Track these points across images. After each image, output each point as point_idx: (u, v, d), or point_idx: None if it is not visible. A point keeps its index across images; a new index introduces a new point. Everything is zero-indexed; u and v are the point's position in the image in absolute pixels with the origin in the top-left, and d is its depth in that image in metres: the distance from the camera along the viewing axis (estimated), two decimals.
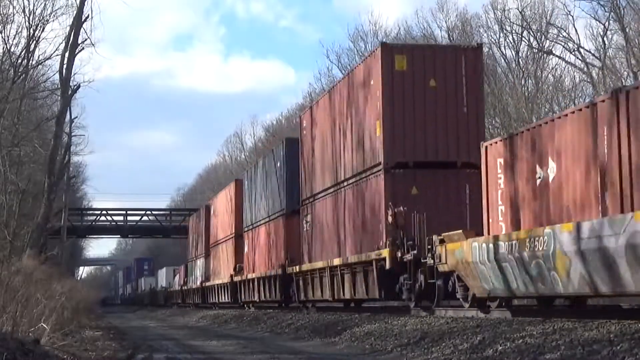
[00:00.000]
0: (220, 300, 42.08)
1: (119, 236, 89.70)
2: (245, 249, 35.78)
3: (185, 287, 56.36)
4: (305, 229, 26.93)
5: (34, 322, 12.05)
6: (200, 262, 49.71)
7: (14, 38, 35.09)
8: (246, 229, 35.58)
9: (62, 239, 46.86)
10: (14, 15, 34.44)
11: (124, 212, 67.20)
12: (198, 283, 49.78)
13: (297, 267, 27.17)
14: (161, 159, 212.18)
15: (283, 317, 23.65)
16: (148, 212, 68.71)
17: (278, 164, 30.05)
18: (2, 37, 34.42)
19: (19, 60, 35.30)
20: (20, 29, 34.93)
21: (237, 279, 37.17)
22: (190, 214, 69.99)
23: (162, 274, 77.02)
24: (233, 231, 38.35)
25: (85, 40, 30.22)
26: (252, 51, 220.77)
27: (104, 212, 66.57)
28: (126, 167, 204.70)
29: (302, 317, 22.50)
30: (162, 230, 68.52)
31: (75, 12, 30.55)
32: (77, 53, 30.52)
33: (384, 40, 54.26)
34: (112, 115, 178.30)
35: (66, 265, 48.93)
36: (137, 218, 67.03)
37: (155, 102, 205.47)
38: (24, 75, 35.45)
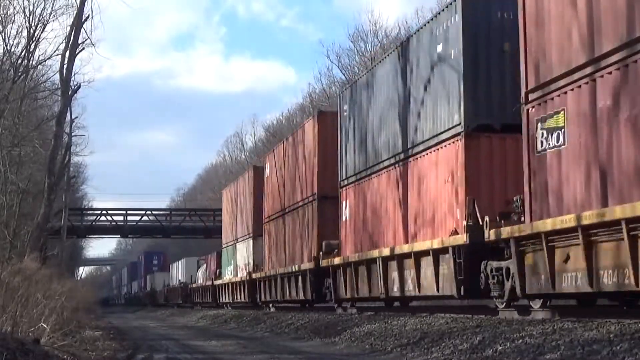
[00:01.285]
0: (286, 297, 29.14)
1: (119, 236, 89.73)
2: (345, 216, 23.14)
3: (219, 282, 43.90)
4: (541, 148, 13.31)
5: (34, 322, 12.05)
6: (244, 247, 37.59)
7: (14, 38, 35.12)
8: (347, 184, 23.05)
9: (62, 239, 46.81)
10: (14, 15, 34.44)
11: (124, 212, 67.20)
12: (242, 275, 37.09)
13: (518, 227, 13.71)
14: (161, 159, 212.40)
15: (283, 317, 23.64)
16: (148, 212, 68.68)
17: (440, 47, 17.33)
18: (2, 37, 34.45)
19: (19, 60, 35.29)
20: (20, 29, 34.95)
21: (328, 263, 23.81)
22: (194, 213, 70.40)
23: (180, 267, 64.80)
24: (315, 191, 25.93)
25: (86, 40, 30.24)
26: (253, 51, 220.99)
27: (104, 212, 66.56)
28: (126, 167, 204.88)
29: (302, 316, 22.46)
30: (162, 230, 68.48)
31: (75, 12, 30.56)
32: (78, 53, 30.54)
33: (384, 40, 54.28)
34: (112, 115, 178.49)
35: (66, 265, 48.91)
36: (137, 218, 67.01)
37: (155, 102, 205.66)
38: (24, 75, 35.44)
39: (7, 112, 32.02)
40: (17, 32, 34.98)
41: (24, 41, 34.98)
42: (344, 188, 23.47)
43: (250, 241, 36.23)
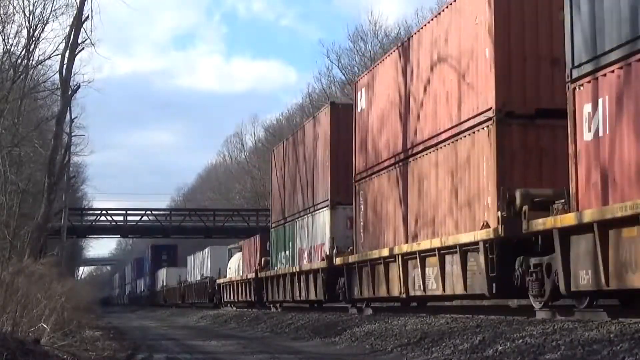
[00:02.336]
0: (420, 290, 17.69)
1: (119, 236, 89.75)
2: (598, 133, 11.68)
3: (267, 274, 32.31)
4: None
5: (34, 322, 12.05)
6: (315, 222, 26.21)
7: (14, 38, 35.13)
8: (599, 68, 11.61)
9: (62, 239, 46.86)
10: (14, 15, 34.43)
11: (124, 212, 67.27)
12: (310, 261, 26.17)
13: None
14: (161, 159, 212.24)
15: (283, 317, 23.61)
16: (148, 212, 68.76)
17: None
18: (1, 37, 34.45)
19: (19, 60, 35.29)
20: (20, 29, 34.93)
21: (548, 224, 12.78)
22: (194, 213, 70.17)
23: (203, 259, 53.16)
24: (491, 106, 15.05)
25: (86, 40, 30.21)
26: (254, 50, 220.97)
27: (104, 212, 66.65)
28: (126, 167, 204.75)
29: (302, 316, 22.41)
30: (162, 230, 68.54)
31: (75, 12, 30.53)
32: (77, 53, 30.50)
33: (384, 40, 54.28)
34: (112, 115, 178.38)
35: (66, 265, 48.94)
36: (137, 218, 67.09)
37: (155, 101, 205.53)
38: (24, 75, 35.43)
39: (7, 112, 32.02)
40: (17, 32, 35.00)
41: (23, 41, 34.99)
42: (589, 78, 11.89)
43: (326, 213, 24.93)
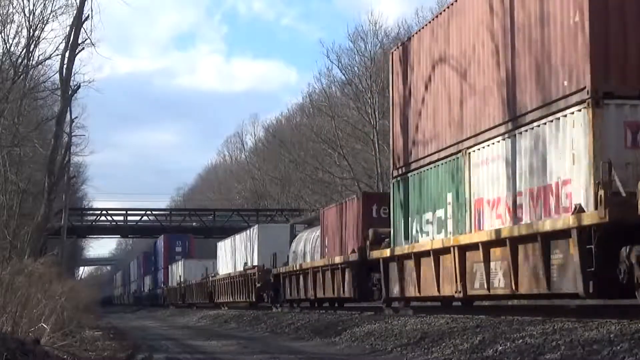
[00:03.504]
0: None
1: (119, 236, 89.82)
2: None
3: (390, 252, 19.61)
4: None
5: (34, 322, 12.05)
6: (550, 137, 13.15)
7: (14, 38, 35.15)
8: None
9: (62, 239, 46.83)
10: (13, 15, 34.46)
11: (124, 212, 67.35)
12: (541, 218, 13.30)
13: None
14: (161, 159, 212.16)
15: (283, 317, 23.62)
16: (148, 212, 68.83)
17: None
18: (2, 37, 34.47)
19: (19, 60, 35.30)
20: (20, 29, 34.96)
21: None
22: (194, 213, 69.97)
23: (247, 244, 38.91)
24: None
25: (86, 40, 30.22)
26: (254, 50, 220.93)
27: (104, 212, 66.72)
28: (126, 167, 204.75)
29: (302, 316, 22.43)
30: (162, 230, 68.59)
31: (75, 12, 30.54)
32: (77, 53, 30.50)
33: (384, 40, 54.22)
34: (113, 115, 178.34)
35: (66, 265, 48.91)
36: (137, 218, 67.16)
37: (156, 101, 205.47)
38: (24, 75, 35.44)
39: (7, 112, 32.04)
40: (17, 32, 35.02)
41: (23, 41, 35.01)
42: None
43: (577, 117, 12.57)
